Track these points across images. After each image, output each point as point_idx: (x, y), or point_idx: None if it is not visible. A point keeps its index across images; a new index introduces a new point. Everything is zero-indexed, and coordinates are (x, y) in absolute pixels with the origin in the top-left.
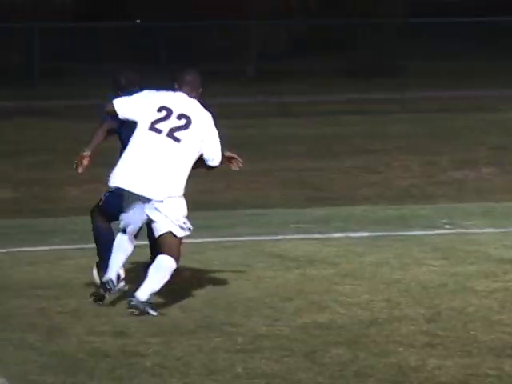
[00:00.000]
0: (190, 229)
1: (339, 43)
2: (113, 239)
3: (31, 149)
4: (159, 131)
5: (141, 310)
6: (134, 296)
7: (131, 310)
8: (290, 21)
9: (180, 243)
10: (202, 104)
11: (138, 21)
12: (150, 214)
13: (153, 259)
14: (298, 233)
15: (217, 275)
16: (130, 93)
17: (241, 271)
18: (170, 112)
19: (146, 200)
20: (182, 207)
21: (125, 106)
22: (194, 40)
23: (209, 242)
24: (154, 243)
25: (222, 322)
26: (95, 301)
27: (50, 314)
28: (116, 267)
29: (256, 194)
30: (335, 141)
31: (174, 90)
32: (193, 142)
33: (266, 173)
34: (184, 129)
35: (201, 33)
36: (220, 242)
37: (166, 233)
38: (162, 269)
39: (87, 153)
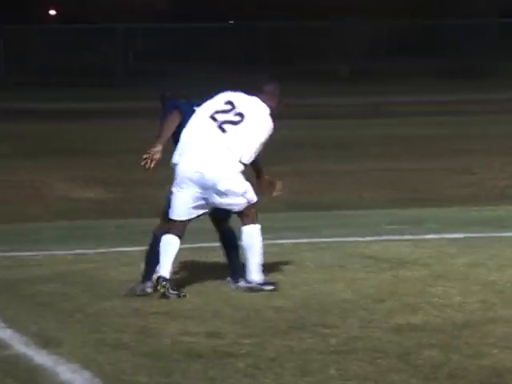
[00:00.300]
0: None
1: (437, 44)
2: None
3: (126, 149)
4: (215, 120)
5: (258, 290)
6: (250, 282)
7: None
8: (387, 21)
9: (253, 206)
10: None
11: (231, 22)
12: (217, 198)
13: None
14: (391, 234)
15: (310, 276)
16: (173, 103)
17: (334, 272)
18: (232, 107)
19: (206, 185)
20: (241, 182)
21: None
22: (294, 40)
23: (303, 243)
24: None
25: (315, 323)
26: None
27: (144, 314)
28: (169, 265)
29: (351, 195)
30: (431, 141)
31: (253, 95)
32: (239, 138)
33: (361, 173)
34: (235, 124)
35: (299, 33)
36: (314, 242)
37: (240, 208)
38: (253, 241)
39: (158, 148)
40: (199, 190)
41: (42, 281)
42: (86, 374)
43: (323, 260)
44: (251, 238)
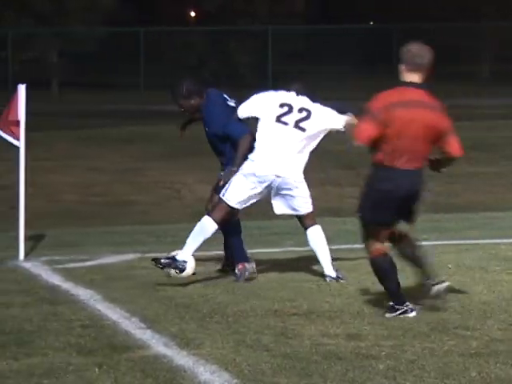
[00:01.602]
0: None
1: None
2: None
3: None
4: (286, 123)
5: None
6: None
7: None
8: None
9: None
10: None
11: (371, 23)
12: (286, 196)
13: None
14: None
15: (451, 278)
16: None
17: (475, 274)
18: (290, 107)
19: (281, 183)
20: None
21: (245, 108)
22: (428, 41)
23: (444, 245)
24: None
25: (456, 326)
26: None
27: (283, 315)
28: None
29: (492, 197)
30: None
31: (287, 90)
32: (316, 130)
33: (502, 175)
34: (307, 119)
35: (434, 34)
36: (455, 244)
37: (305, 213)
38: (320, 240)
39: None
40: (267, 189)
41: (180, 282)
42: (225, 375)
43: (464, 262)
44: (317, 237)
